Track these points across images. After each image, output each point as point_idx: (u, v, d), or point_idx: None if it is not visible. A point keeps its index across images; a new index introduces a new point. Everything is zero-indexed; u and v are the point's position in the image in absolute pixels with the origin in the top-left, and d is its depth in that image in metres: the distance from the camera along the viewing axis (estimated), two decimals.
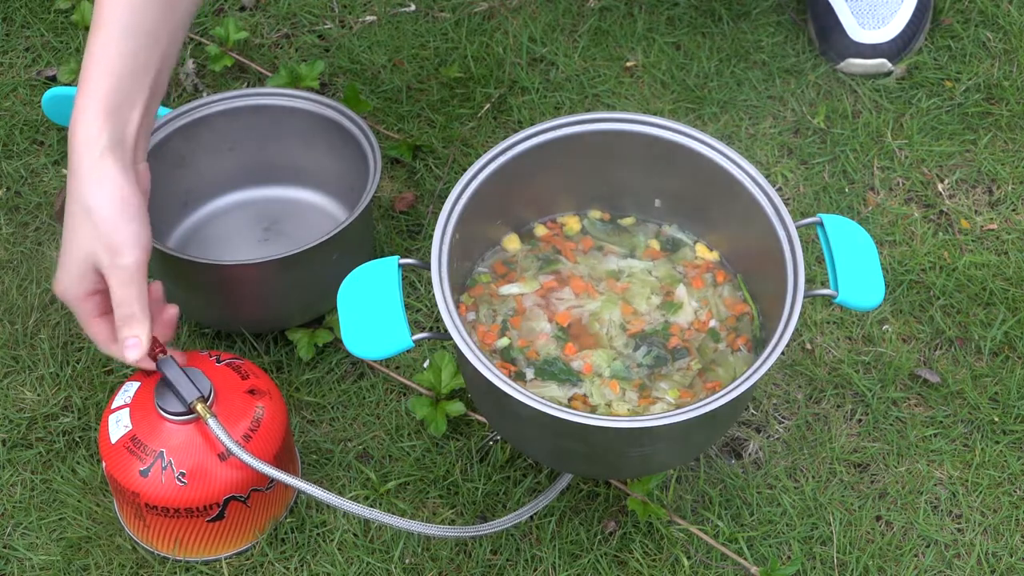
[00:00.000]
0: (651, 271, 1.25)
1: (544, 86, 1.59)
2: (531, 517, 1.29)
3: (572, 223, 1.27)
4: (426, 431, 1.34)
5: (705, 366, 1.20)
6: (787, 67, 1.61)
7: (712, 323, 1.22)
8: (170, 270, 1.34)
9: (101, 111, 1.16)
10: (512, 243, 1.26)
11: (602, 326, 1.21)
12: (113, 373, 1.39)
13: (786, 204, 1.49)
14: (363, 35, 1.64)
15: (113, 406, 1.25)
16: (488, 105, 1.58)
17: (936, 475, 1.33)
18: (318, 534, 1.29)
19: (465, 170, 1.18)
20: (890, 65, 1.59)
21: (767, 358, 1.09)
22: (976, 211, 1.50)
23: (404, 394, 1.37)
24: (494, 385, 1.08)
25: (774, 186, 1.50)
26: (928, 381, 1.38)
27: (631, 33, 1.63)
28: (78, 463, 1.34)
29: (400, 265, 1.15)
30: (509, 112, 1.57)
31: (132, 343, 1.19)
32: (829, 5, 1.60)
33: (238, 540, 1.27)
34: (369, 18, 1.66)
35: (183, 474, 1.21)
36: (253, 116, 1.43)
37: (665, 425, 1.08)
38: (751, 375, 1.09)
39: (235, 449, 1.20)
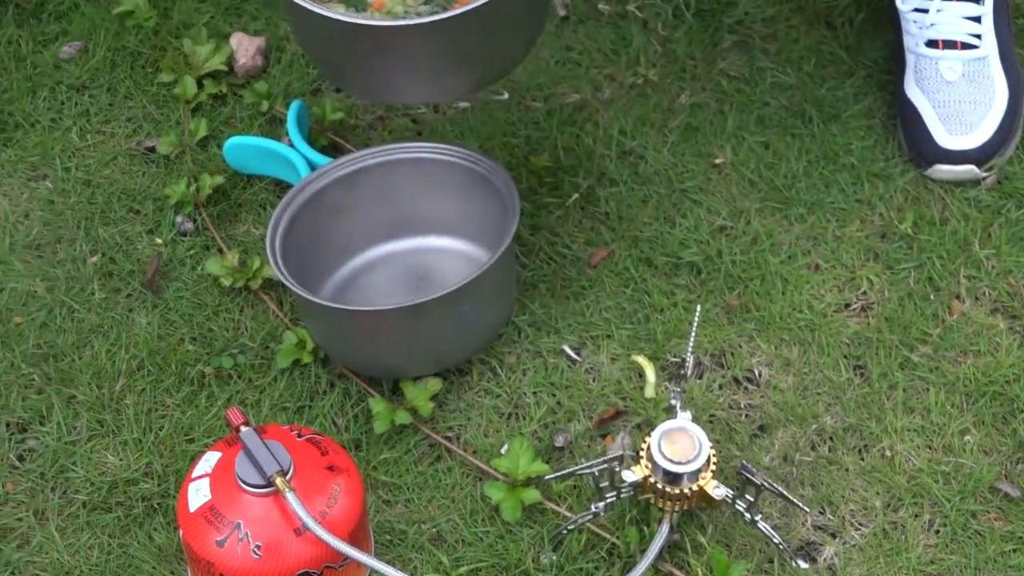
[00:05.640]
0: None
1: (632, 179, 1.61)
2: None
3: None
4: (500, 517, 1.35)
5: None
6: (876, 171, 1.61)
7: None
8: (314, 314, 1.43)
9: None
10: None
11: None
12: (195, 442, 1.41)
13: (870, 308, 1.50)
14: (456, 121, 1.67)
15: (194, 475, 1.27)
16: (576, 195, 1.59)
17: None
18: None
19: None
20: (978, 171, 1.59)
21: None
22: None
23: (480, 478, 1.38)
24: None
25: (858, 289, 1.51)
26: (1009, 495, 1.36)
27: (721, 130, 1.65)
28: (155, 530, 1.35)
29: None
30: (597, 203, 1.58)
31: None
32: (916, 110, 1.61)
33: None
34: (463, 105, 1.69)
35: (259, 547, 1.22)
36: (407, 168, 1.50)
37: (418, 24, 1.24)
38: None
39: (312, 525, 1.20)
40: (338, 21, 1.31)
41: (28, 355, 1.48)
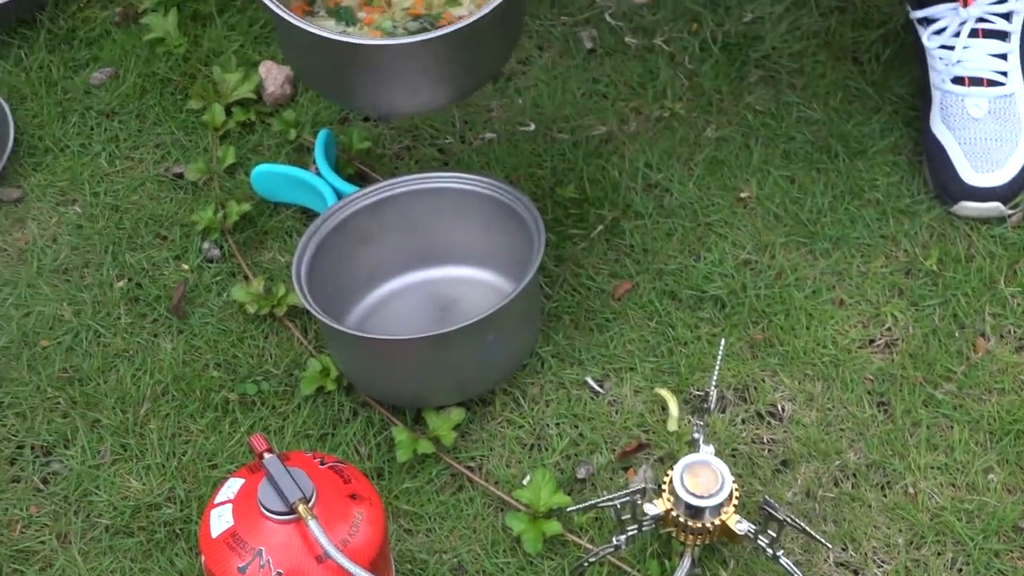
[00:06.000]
0: None
1: (657, 211, 1.61)
2: None
3: None
4: (521, 548, 1.35)
5: None
6: (901, 207, 1.61)
7: None
8: (338, 342, 1.44)
9: None
10: None
11: (393, 4, 1.40)
12: (218, 468, 1.41)
13: (894, 345, 1.49)
14: (482, 151, 1.67)
15: (216, 501, 1.27)
16: (601, 227, 1.60)
17: None
18: None
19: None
20: (1004, 208, 1.58)
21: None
22: None
23: (502, 509, 1.38)
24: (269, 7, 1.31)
25: (883, 326, 1.50)
26: None
27: (746, 164, 1.65)
28: (177, 555, 1.35)
29: None
30: (621, 235, 1.59)
31: None
32: (942, 147, 1.61)
33: None
34: (489, 135, 1.70)
35: (280, 574, 1.22)
36: (433, 198, 1.51)
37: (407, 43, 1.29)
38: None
39: (333, 553, 1.21)
40: (327, 39, 1.33)
41: (54, 378, 1.49)
